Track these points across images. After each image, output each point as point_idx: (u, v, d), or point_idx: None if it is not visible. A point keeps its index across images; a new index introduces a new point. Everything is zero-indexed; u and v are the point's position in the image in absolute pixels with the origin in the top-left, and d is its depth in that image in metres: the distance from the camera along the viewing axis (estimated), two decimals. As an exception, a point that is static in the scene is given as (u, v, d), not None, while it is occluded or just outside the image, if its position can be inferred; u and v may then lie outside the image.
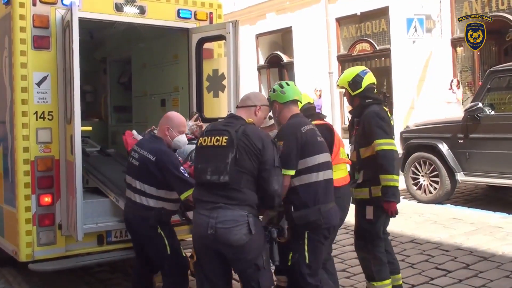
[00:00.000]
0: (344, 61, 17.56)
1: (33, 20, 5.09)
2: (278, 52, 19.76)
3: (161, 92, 7.01)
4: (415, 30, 14.17)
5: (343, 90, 4.76)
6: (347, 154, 4.75)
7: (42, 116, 5.15)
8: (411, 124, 10.94)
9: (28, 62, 5.09)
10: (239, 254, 3.62)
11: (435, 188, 9.25)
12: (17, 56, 5.09)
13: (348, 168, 4.73)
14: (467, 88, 14.64)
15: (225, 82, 5.75)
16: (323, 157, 3.94)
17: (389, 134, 4.43)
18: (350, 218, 5.70)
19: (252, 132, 3.66)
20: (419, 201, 9.46)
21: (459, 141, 8.85)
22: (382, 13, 16.06)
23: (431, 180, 9.31)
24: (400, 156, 9.91)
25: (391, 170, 4.31)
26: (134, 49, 7.78)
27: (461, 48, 14.70)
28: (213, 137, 3.70)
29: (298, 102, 4.15)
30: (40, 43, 5.14)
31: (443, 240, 7.00)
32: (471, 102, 8.92)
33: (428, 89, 14.85)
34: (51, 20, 5.18)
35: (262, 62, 20.31)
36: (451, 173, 8.94)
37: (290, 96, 4.07)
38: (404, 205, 9.42)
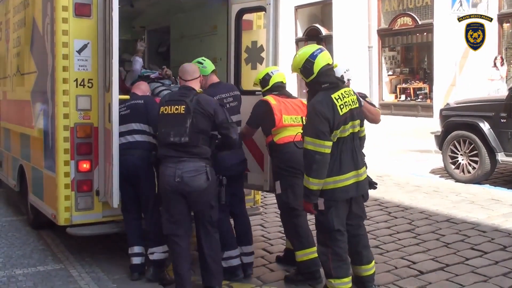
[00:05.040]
0: (385, 35, 17.21)
1: (75, -13, 5.12)
2: (317, 25, 19.47)
3: (199, 62, 7.00)
4: (461, 5, 13.71)
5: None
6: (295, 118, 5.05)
7: (82, 83, 5.21)
8: (451, 101, 10.69)
9: (70, 29, 5.15)
10: (199, 197, 4.51)
11: (473, 168, 9.07)
12: (59, 23, 5.14)
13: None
14: (511, 66, 14.18)
15: (263, 54, 5.70)
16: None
17: (319, 132, 4.13)
18: (384, 195, 5.64)
19: (203, 100, 4.55)
20: (457, 180, 9.30)
21: (502, 120, 8.61)
22: (426, -14, 15.61)
23: (470, 160, 9.12)
24: (438, 134, 9.74)
25: (308, 172, 4.18)
26: (173, 19, 7.76)
27: (508, 24, 14.19)
28: (172, 106, 4.51)
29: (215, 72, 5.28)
30: (81, 10, 5.17)
31: (480, 221, 6.87)
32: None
33: (471, 66, 14.44)
34: (93, -13, 5.20)
35: (300, 34, 20.06)
36: (492, 153, 8.73)
37: (209, 69, 5.20)
38: (440, 184, 9.28)
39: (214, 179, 4.59)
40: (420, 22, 16.01)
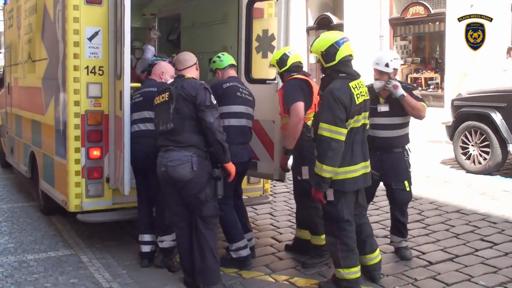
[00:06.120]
0: (396, 24, 17.05)
1: (86, -26, 5.11)
2: (328, 14, 19.32)
3: (209, 51, 6.97)
4: (474, -7, 13.56)
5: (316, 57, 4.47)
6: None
7: (93, 71, 5.22)
8: (463, 91, 10.61)
9: (81, 16, 5.15)
10: (185, 189, 4.40)
11: (484, 159, 9.02)
12: (70, 10, 5.14)
13: None
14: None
15: (274, 43, 5.67)
16: (238, 108, 4.99)
17: (337, 119, 4.11)
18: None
19: (187, 84, 4.43)
20: (468, 171, 9.25)
21: (514, 111, 8.55)
22: (439, -26, 15.43)
23: (481, 150, 9.06)
24: (450, 124, 9.68)
25: (321, 159, 4.14)
26: (183, 7, 7.74)
27: (522, 13, 14.01)
28: (160, 96, 4.51)
29: (234, 65, 5.28)
30: (92, -3, 5.17)
31: (491, 212, 6.84)
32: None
33: (484, 56, 14.29)
34: (104, -26, 5.19)
35: (311, 23, 19.92)
36: (503, 143, 8.68)
37: (226, 62, 5.21)
38: (451, 175, 9.24)
39: (203, 170, 4.38)
40: (432, 11, 15.83)
